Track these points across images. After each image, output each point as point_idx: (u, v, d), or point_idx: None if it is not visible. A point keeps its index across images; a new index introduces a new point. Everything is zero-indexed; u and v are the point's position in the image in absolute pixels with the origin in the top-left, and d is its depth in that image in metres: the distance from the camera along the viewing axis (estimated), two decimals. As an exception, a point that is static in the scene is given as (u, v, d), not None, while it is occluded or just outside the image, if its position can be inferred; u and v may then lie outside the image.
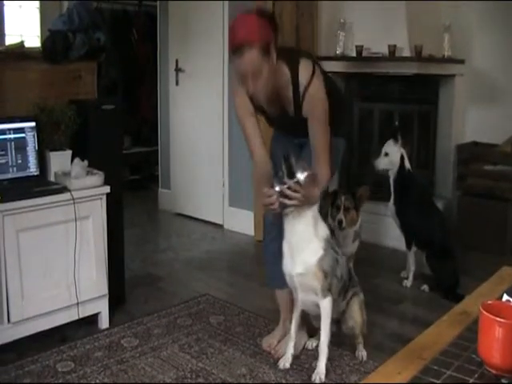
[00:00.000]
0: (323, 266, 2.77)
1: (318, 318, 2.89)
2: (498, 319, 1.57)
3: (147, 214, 5.93)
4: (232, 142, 5.25)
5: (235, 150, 5.16)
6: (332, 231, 4.02)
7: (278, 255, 2.88)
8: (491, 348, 1.58)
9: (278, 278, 2.97)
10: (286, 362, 2.95)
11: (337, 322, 3.01)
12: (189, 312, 3.58)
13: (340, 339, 3.09)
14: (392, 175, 4.05)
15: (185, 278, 4.22)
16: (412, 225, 4.00)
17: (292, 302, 3.05)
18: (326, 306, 2.81)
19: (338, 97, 3.11)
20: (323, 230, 2.82)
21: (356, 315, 3.00)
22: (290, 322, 3.03)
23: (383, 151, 4.02)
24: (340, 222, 3.75)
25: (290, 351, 2.96)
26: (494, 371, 1.59)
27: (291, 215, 2.74)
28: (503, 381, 1.56)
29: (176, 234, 5.31)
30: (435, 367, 1.62)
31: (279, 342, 3.14)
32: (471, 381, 1.56)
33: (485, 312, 1.60)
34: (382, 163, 4.03)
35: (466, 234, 4.61)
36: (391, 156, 4.00)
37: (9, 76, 3.32)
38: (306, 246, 2.77)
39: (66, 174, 3.14)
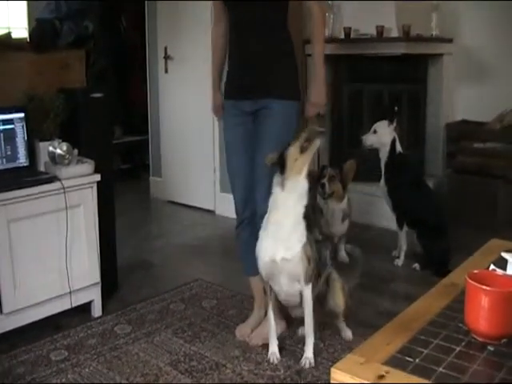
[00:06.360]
0: (307, 250, 2.65)
1: (296, 307, 2.84)
2: (484, 287, 1.58)
3: (139, 202, 5.92)
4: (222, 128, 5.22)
5: (225, 136, 5.12)
6: (321, 211, 4.06)
7: (250, 242, 2.83)
8: (477, 316, 1.60)
9: (251, 265, 2.88)
10: (274, 357, 2.83)
11: (319, 303, 2.90)
12: (181, 297, 3.59)
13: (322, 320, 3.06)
14: (383, 157, 4.06)
15: (177, 263, 4.23)
16: (403, 204, 4.01)
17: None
18: (307, 293, 2.71)
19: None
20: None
21: (337, 297, 2.92)
22: (264, 309, 2.98)
23: (373, 128, 4.05)
24: (323, 186, 3.81)
25: (274, 344, 2.86)
26: (480, 339, 1.61)
27: (285, 185, 2.59)
28: (489, 348, 1.57)
29: (168, 221, 5.31)
30: (423, 337, 1.64)
31: (252, 330, 3.07)
32: (458, 349, 1.57)
33: (470, 281, 1.61)
34: (369, 139, 4.05)
35: (457, 211, 4.62)
36: (380, 135, 4.01)
37: (-4, 67, 3.31)
38: (294, 227, 2.63)
39: (56, 164, 3.13)
